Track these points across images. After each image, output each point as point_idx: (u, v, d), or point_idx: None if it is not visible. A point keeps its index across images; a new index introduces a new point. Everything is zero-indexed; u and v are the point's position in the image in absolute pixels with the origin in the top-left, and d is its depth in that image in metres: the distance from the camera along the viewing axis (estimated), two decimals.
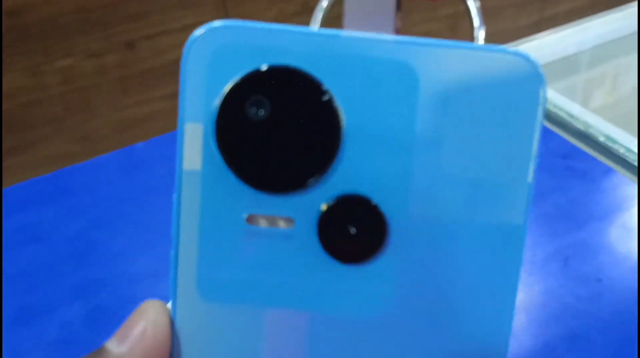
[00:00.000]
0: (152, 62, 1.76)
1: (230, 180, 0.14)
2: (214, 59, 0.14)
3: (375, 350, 0.14)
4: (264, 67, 0.13)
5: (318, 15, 1.64)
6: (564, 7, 2.11)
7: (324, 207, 0.14)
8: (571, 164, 0.66)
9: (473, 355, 0.15)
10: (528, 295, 0.53)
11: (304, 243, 0.14)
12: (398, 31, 2.07)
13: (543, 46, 0.88)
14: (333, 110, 0.14)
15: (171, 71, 1.79)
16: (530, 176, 0.16)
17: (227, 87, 0.14)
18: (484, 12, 1.53)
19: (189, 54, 0.14)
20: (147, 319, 0.15)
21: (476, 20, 1.57)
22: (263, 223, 0.14)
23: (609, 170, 0.65)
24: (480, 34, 0.81)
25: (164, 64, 1.77)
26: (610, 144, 0.70)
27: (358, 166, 0.14)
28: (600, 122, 0.73)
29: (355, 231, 0.14)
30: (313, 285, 0.14)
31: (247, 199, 0.14)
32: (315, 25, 1.57)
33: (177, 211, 0.14)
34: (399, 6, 2.15)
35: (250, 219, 0.14)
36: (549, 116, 0.78)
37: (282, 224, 0.14)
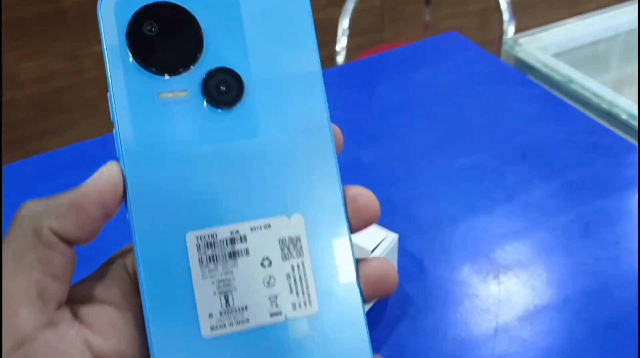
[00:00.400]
0: None
1: (145, 74, 0.22)
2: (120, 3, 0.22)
3: (247, 173, 0.22)
4: (150, 3, 0.22)
5: (349, 6, 1.65)
6: (596, 3, 2.10)
7: (204, 76, 0.22)
8: (596, 140, 0.67)
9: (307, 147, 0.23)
10: (549, 255, 0.54)
11: (195, 102, 0.22)
12: (427, 25, 2.06)
13: (574, 30, 0.89)
14: (194, 21, 0.22)
15: None
16: (314, 38, 0.24)
17: (130, 18, 0.22)
18: (514, 7, 1.54)
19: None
20: (101, 169, 0.21)
21: (506, 15, 1.57)
22: (169, 96, 0.22)
23: (631, 146, 0.67)
24: (510, 29, 0.82)
25: None
26: (633, 122, 0.71)
27: (216, 51, 0.22)
28: (624, 101, 0.74)
29: (224, 88, 0.22)
30: (204, 127, 0.22)
31: (158, 83, 0.22)
32: (346, 19, 1.58)
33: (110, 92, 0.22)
34: (428, 1, 2.16)
35: (160, 95, 0.22)
36: (577, 96, 0.79)
37: (180, 94, 0.22)
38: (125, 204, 0.21)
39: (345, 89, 0.79)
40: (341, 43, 1.57)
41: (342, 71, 0.86)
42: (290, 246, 0.22)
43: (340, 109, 0.75)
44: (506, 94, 0.76)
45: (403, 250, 0.55)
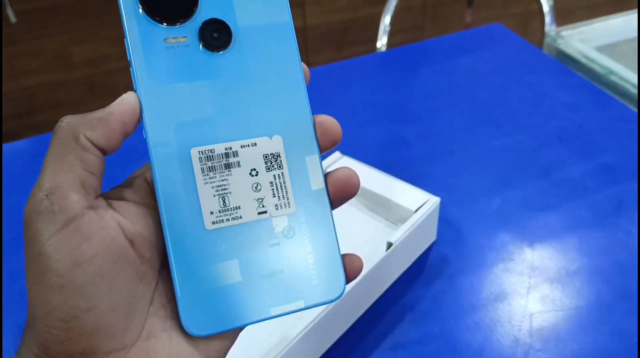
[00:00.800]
0: None
1: (152, 23, 0.27)
2: None
3: (237, 102, 0.27)
4: None
5: (392, 3, 1.68)
6: None
7: (200, 25, 0.27)
8: (632, 127, 0.70)
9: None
10: (582, 227, 0.57)
11: (193, 46, 0.27)
12: (469, 26, 2.08)
13: (616, 26, 0.91)
14: None
15: None
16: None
17: None
18: (556, 11, 1.55)
19: None
20: (122, 97, 0.27)
21: (547, 18, 1.58)
22: (172, 41, 0.27)
23: None
24: (551, 32, 0.84)
25: None
26: None
27: (209, 5, 0.27)
28: None
29: (216, 35, 0.27)
30: (201, 66, 0.27)
31: (164, 31, 0.27)
32: (388, 16, 1.61)
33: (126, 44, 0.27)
34: (470, 2, 2.18)
35: (166, 40, 0.27)
36: (616, 87, 0.81)
37: (182, 40, 0.27)
38: (142, 126, 0.27)
39: (391, 72, 0.83)
40: (382, 40, 1.60)
41: (388, 56, 0.89)
42: (272, 160, 0.28)
43: (385, 90, 0.79)
44: (546, 82, 0.79)
45: (442, 217, 0.58)
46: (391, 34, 1.58)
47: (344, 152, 0.60)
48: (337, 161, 0.59)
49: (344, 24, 1.97)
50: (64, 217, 0.24)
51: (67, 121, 0.25)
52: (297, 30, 0.29)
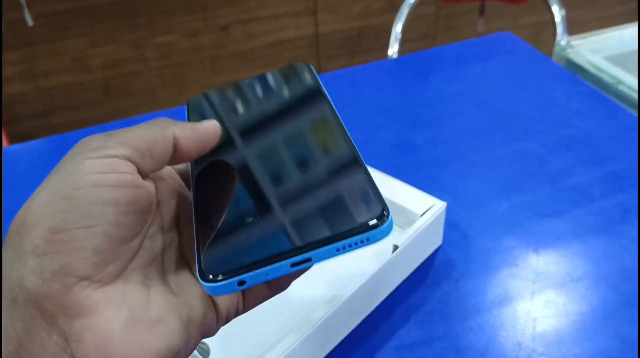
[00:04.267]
0: (242, 46, 1.88)
1: None
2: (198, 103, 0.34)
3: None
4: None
5: (404, 12, 1.69)
6: None
7: None
8: None
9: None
10: (588, 234, 0.58)
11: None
12: (481, 35, 2.09)
13: (626, 35, 0.91)
14: None
15: (259, 56, 1.89)
16: None
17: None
18: (569, 23, 1.55)
19: (189, 102, 0.34)
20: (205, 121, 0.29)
21: (559, 28, 1.59)
22: None
23: None
24: (561, 42, 0.85)
25: (253, 48, 1.88)
26: None
27: None
28: None
29: None
30: None
31: None
32: (399, 24, 1.62)
33: None
34: (482, 12, 2.18)
35: None
36: (625, 97, 0.81)
37: None
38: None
39: (402, 79, 0.84)
40: (393, 48, 1.61)
41: (399, 62, 0.90)
42: None
43: (396, 96, 0.80)
44: (555, 90, 0.79)
45: (449, 221, 0.59)
46: (403, 43, 1.59)
47: None
48: None
49: (357, 32, 1.99)
50: (108, 152, 0.24)
51: (165, 118, 0.28)
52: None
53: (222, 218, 0.27)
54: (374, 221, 0.24)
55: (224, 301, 0.27)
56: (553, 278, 0.54)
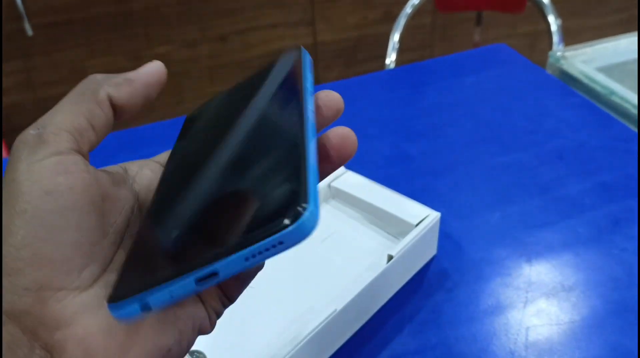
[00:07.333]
0: (240, 56, 1.89)
1: None
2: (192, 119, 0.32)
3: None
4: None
5: (401, 21, 1.71)
6: None
7: None
8: (631, 147, 0.71)
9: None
10: (579, 243, 0.58)
11: None
12: (477, 44, 2.09)
13: (619, 46, 0.93)
14: None
15: (256, 65, 1.91)
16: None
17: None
18: (565, 32, 1.57)
19: (186, 119, 0.32)
20: (149, 64, 0.27)
21: (555, 37, 1.60)
22: None
23: None
24: (556, 53, 0.86)
25: (250, 58, 1.89)
26: None
27: None
28: None
29: None
30: None
31: None
32: (397, 34, 1.64)
33: None
34: (479, 21, 2.19)
35: None
36: (617, 108, 0.83)
37: None
38: None
39: (397, 90, 0.85)
40: (391, 57, 1.62)
41: (395, 74, 0.92)
42: None
43: (390, 107, 0.81)
44: (548, 101, 0.81)
45: (442, 231, 0.60)
46: (401, 52, 1.60)
47: (349, 167, 0.62)
48: (342, 175, 0.61)
49: (354, 42, 2.00)
50: (49, 150, 0.23)
51: (94, 76, 0.26)
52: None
53: (144, 232, 0.24)
54: (285, 221, 0.19)
55: (209, 295, 0.26)
56: (545, 287, 0.54)
